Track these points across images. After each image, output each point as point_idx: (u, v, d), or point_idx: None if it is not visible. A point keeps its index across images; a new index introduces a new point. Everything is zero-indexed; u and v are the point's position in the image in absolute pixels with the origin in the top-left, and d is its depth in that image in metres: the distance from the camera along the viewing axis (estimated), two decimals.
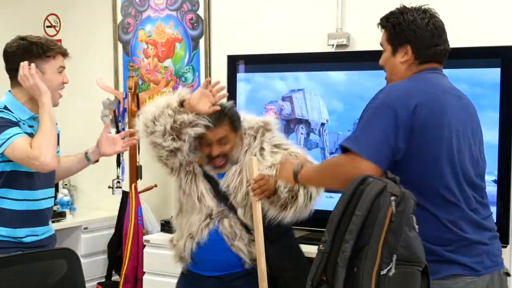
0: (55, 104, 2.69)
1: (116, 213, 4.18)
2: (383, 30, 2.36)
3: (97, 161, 2.95)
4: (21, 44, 2.65)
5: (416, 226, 1.97)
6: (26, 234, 2.65)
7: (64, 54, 2.74)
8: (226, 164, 2.67)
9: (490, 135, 3.15)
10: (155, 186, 4.16)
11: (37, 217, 2.69)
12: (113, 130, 4.12)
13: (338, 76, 3.59)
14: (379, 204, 1.94)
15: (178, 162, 2.67)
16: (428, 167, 2.11)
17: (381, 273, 1.91)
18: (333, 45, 3.69)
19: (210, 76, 4.17)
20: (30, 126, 2.66)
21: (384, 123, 2.10)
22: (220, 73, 4.02)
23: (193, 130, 2.58)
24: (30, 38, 2.68)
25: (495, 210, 3.15)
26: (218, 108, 2.61)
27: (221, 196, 2.67)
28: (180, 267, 2.85)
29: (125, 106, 4.11)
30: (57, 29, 4.79)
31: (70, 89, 4.47)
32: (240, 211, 2.65)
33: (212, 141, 2.63)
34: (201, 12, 4.17)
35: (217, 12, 4.15)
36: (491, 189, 3.16)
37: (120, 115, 4.13)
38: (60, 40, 4.72)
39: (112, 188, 4.20)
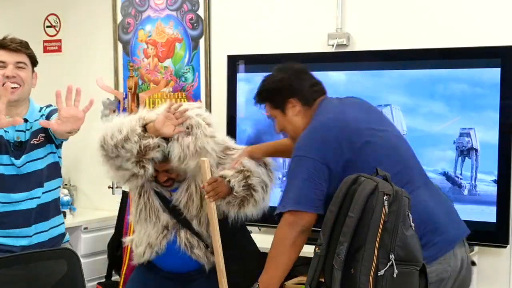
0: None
1: (116, 213, 4.18)
2: (263, 105, 2.51)
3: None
4: None
5: (413, 225, 1.96)
6: None
7: (2, 46, 2.66)
8: (172, 184, 2.74)
9: (490, 135, 3.15)
10: None
11: (10, 219, 2.63)
12: None
13: (338, 76, 3.59)
14: (372, 204, 1.94)
15: (140, 182, 2.72)
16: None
17: (379, 274, 1.91)
18: (333, 45, 3.68)
19: (210, 76, 4.17)
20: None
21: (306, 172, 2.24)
22: (220, 73, 4.02)
23: (157, 153, 2.62)
24: None
25: (495, 210, 3.15)
26: (182, 129, 2.62)
27: (172, 211, 2.73)
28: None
29: (125, 106, 4.11)
30: (57, 29, 4.79)
31: None
32: (195, 222, 2.73)
33: (159, 170, 2.70)
34: (201, 12, 4.17)
35: (217, 12, 4.15)
36: (491, 189, 3.16)
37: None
38: (60, 40, 4.74)
39: (112, 188, 4.21)
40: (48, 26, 4.82)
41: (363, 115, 2.37)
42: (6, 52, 2.65)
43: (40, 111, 2.75)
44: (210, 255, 2.71)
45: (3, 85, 2.52)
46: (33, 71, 2.74)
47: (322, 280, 2.07)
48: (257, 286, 2.35)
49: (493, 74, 3.15)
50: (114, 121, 2.67)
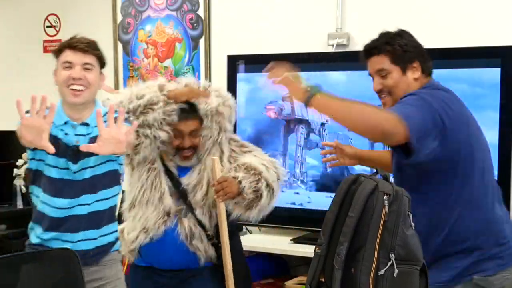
0: (68, 102, 2.51)
1: (116, 213, 4.18)
2: (378, 55, 2.35)
3: None
4: None
5: (413, 224, 1.96)
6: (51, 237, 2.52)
7: (70, 46, 2.52)
8: (192, 156, 2.70)
9: (490, 135, 3.14)
10: None
11: (61, 223, 2.51)
12: None
13: (338, 76, 3.59)
14: (372, 204, 1.94)
15: (142, 156, 2.66)
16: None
17: (379, 274, 1.90)
18: (333, 45, 3.69)
19: (210, 76, 4.17)
20: (61, 130, 2.49)
21: (432, 115, 2.16)
22: (220, 73, 4.02)
23: (175, 116, 2.62)
24: None
25: None
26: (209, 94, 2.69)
27: (181, 194, 2.69)
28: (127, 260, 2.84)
29: None
30: (57, 29, 4.79)
31: None
32: (198, 211, 2.69)
33: (184, 133, 2.66)
34: (201, 12, 4.17)
35: (217, 12, 4.15)
36: None
37: None
38: (60, 40, 4.73)
39: None
40: (48, 26, 4.82)
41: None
42: (73, 53, 2.51)
43: (104, 115, 2.57)
44: (209, 248, 2.68)
45: (67, 87, 2.46)
46: (100, 72, 2.60)
47: (323, 280, 2.06)
48: (315, 90, 2.20)
49: (493, 74, 3.15)
50: (127, 90, 2.69)
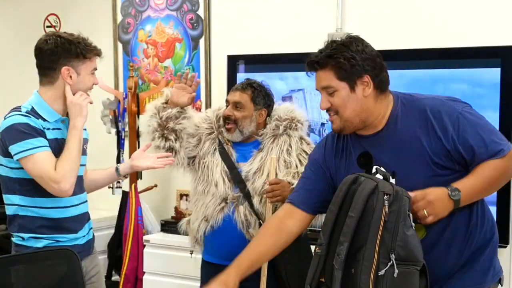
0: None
1: (116, 213, 4.18)
2: (322, 70, 2.10)
3: (126, 176, 2.89)
4: (59, 42, 2.51)
5: (413, 224, 1.96)
6: (47, 244, 2.50)
7: (99, 55, 2.59)
8: (233, 130, 2.75)
9: None
10: (155, 186, 4.16)
11: (58, 225, 2.54)
12: (113, 130, 4.13)
13: None
14: (372, 204, 1.93)
15: (186, 159, 2.79)
16: None
17: (379, 274, 1.90)
18: None
19: (210, 76, 4.17)
20: (57, 129, 2.52)
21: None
22: (220, 73, 4.02)
23: (179, 125, 2.72)
24: (67, 36, 2.53)
25: (495, 210, 3.15)
26: (194, 95, 2.78)
27: (238, 181, 2.72)
28: (196, 253, 2.95)
29: (125, 106, 4.11)
30: (57, 29, 4.78)
31: None
32: (256, 199, 2.70)
33: (229, 102, 2.76)
34: (201, 12, 4.17)
35: (217, 12, 4.15)
36: None
37: (120, 115, 4.13)
38: None
39: (112, 188, 4.20)
40: (48, 26, 4.82)
41: None
42: (97, 60, 2.62)
43: None
44: None
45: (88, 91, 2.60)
46: None
47: (323, 280, 2.06)
48: (456, 191, 1.99)
49: (493, 74, 3.15)
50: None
